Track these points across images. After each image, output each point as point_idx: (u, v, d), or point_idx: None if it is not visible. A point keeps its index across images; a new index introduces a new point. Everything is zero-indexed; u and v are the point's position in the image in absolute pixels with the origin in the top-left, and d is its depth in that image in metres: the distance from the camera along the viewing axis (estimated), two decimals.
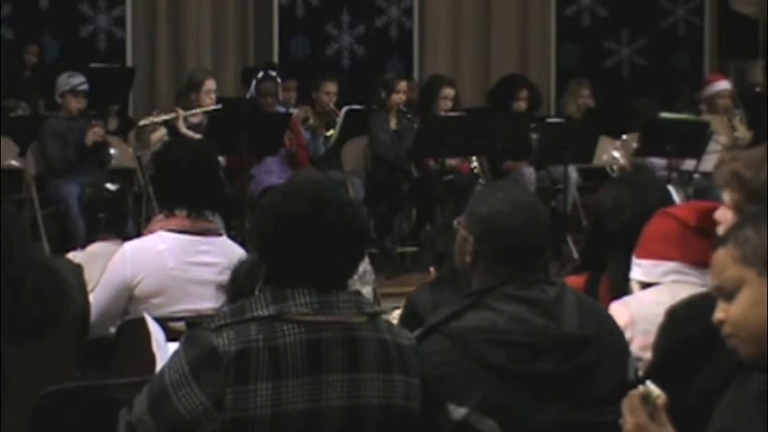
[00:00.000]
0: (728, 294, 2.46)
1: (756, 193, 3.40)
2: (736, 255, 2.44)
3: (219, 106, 9.12)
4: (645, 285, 3.53)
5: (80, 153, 9.00)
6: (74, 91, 9.14)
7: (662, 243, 3.49)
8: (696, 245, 3.42)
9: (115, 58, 11.42)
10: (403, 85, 9.76)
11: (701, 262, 3.40)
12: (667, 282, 3.47)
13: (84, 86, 9.17)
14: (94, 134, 9.02)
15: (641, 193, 3.85)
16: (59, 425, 3.38)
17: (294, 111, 9.98)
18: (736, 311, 2.44)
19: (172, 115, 9.16)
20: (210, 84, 9.23)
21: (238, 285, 3.51)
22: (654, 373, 3.10)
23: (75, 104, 9.15)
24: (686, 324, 3.04)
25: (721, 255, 2.47)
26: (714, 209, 3.45)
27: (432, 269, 4.53)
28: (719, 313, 2.47)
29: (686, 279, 3.44)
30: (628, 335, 3.33)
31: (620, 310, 3.46)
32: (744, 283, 2.43)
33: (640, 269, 3.53)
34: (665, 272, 3.47)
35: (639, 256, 3.54)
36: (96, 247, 5.25)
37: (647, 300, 3.45)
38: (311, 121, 9.76)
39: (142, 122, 9.63)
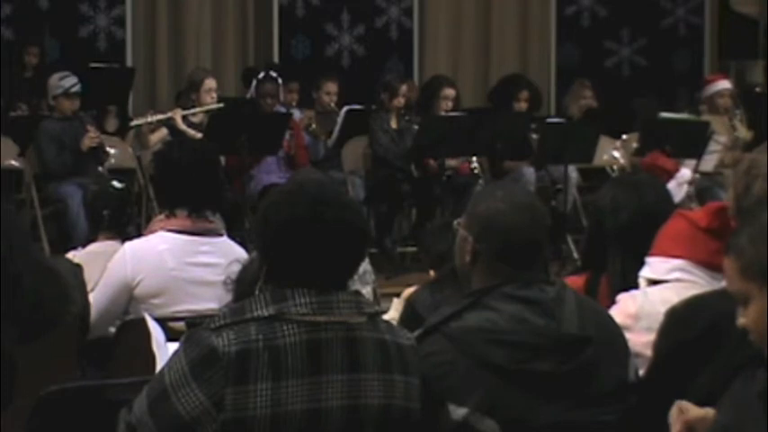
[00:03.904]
0: (743, 302, 2.48)
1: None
2: (737, 267, 2.47)
3: (221, 105, 9.13)
4: (653, 283, 3.53)
5: (76, 156, 8.99)
6: (66, 94, 9.11)
7: (671, 241, 3.50)
8: (705, 245, 3.42)
9: (115, 58, 11.41)
10: (404, 89, 9.77)
11: (708, 262, 3.41)
12: (672, 279, 3.47)
13: (77, 88, 9.11)
14: (90, 140, 9.01)
15: (638, 193, 3.85)
16: (59, 425, 3.38)
17: (296, 112, 10.00)
18: (750, 322, 2.47)
19: (167, 115, 9.17)
20: (210, 83, 9.25)
21: (245, 286, 3.50)
22: (654, 373, 3.10)
23: (69, 106, 9.12)
24: (686, 325, 3.04)
25: (727, 265, 2.51)
26: (727, 209, 3.45)
27: (432, 272, 4.53)
28: (740, 318, 2.50)
29: (691, 278, 3.45)
30: (629, 325, 3.34)
31: (627, 302, 3.48)
32: (750, 296, 2.45)
33: (649, 267, 3.54)
34: (670, 269, 3.48)
35: (651, 254, 3.55)
36: (96, 246, 5.25)
37: (654, 297, 3.46)
38: (314, 127, 9.78)
39: (134, 122, 9.64)
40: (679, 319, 3.08)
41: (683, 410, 2.69)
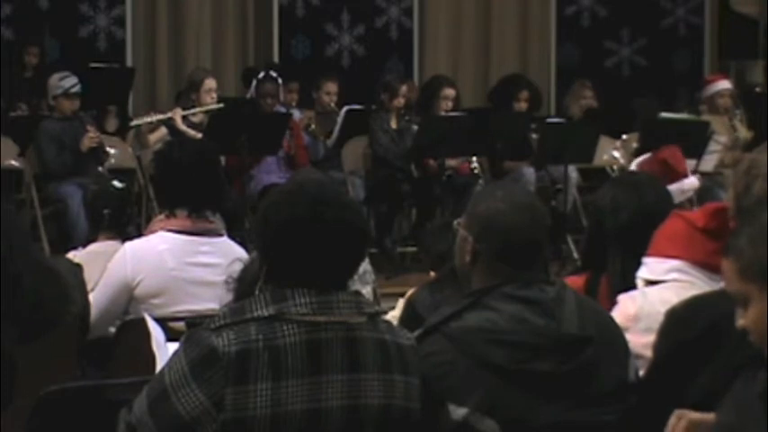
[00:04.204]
0: (742, 303, 2.47)
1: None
2: (736, 268, 2.46)
3: (221, 105, 9.13)
4: (650, 284, 3.53)
5: (76, 156, 8.98)
6: (66, 94, 9.11)
7: (668, 241, 3.50)
8: (703, 246, 3.42)
9: (115, 58, 11.41)
10: (404, 89, 9.77)
11: (706, 263, 3.41)
12: (669, 279, 3.47)
13: (77, 88, 9.11)
14: (90, 140, 9.00)
15: (638, 193, 3.85)
16: (59, 425, 3.38)
17: (296, 112, 10.00)
18: (750, 323, 2.46)
19: (167, 115, 9.17)
20: (210, 83, 9.26)
21: (245, 285, 3.50)
22: (654, 373, 3.10)
23: (69, 106, 9.12)
24: (686, 325, 3.04)
25: (726, 266, 2.50)
26: (725, 210, 3.45)
27: (432, 272, 4.53)
28: (739, 320, 2.49)
29: (688, 278, 3.44)
30: (629, 326, 3.34)
31: (626, 303, 3.48)
32: (749, 297, 2.44)
33: (646, 267, 3.54)
34: (667, 269, 3.48)
35: (648, 255, 3.55)
36: (96, 246, 5.25)
37: (653, 298, 3.46)
38: (313, 127, 9.78)
39: (134, 122, 9.64)
40: (679, 320, 3.08)
41: (682, 417, 2.69)
